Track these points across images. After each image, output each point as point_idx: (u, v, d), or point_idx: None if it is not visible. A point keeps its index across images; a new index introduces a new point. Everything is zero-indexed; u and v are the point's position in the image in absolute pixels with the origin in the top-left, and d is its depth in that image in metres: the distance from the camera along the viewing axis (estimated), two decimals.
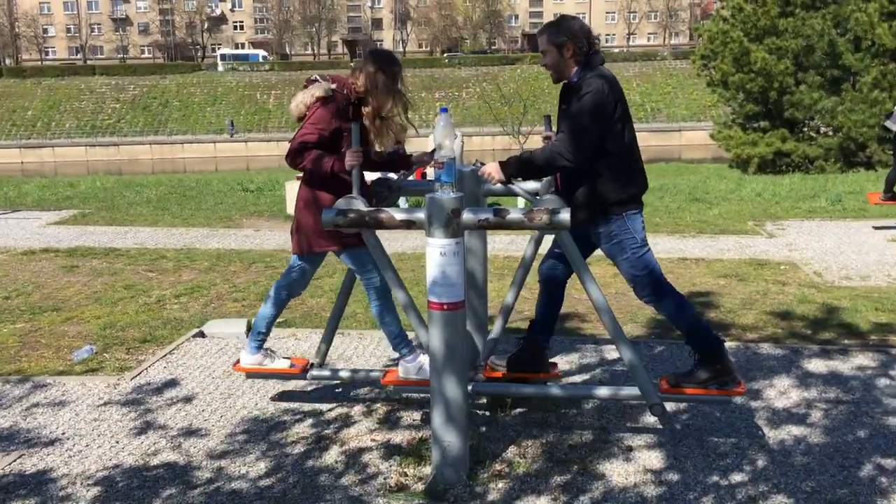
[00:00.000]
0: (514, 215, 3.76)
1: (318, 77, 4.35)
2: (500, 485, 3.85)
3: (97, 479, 3.96)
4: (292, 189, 12.17)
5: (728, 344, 5.75)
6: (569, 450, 4.21)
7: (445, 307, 3.75)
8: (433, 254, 3.74)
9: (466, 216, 3.73)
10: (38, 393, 5.05)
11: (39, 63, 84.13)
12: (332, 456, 4.19)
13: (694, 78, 49.28)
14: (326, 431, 4.48)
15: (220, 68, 68.22)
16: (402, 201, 8.83)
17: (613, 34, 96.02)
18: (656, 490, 3.79)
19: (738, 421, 4.52)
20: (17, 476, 4.01)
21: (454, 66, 66.14)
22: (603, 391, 4.33)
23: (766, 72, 23.25)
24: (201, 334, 6.20)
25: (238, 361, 4.79)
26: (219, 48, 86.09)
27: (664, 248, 9.31)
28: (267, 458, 4.18)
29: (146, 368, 5.46)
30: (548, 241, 4.56)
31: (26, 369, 5.54)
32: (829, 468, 3.97)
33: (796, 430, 4.38)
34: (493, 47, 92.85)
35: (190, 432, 4.49)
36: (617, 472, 3.97)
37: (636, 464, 4.05)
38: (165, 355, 5.71)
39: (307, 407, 4.82)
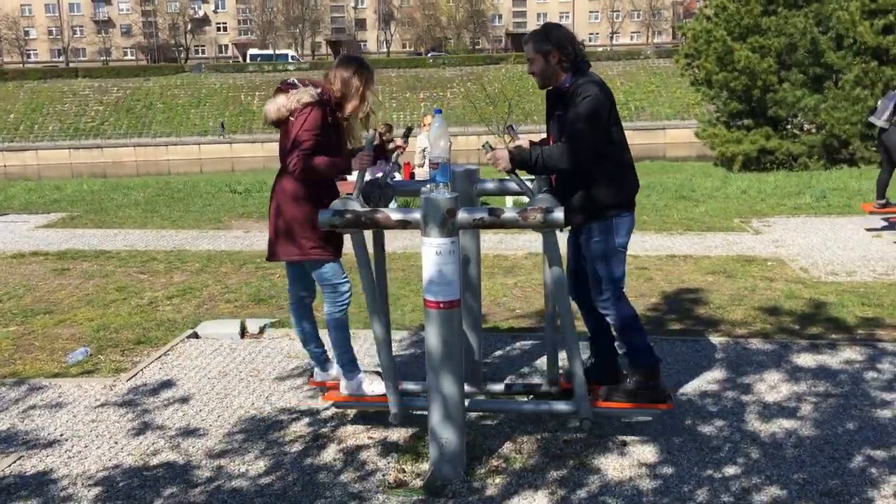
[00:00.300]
0: (508, 214, 3.81)
1: (295, 81, 4.36)
2: (498, 480, 3.91)
3: (98, 479, 3.99)
4: None
5: (718, 339, 5.85)
6: (564, 445, 4.27)
7: (442, 305, 3.81)
8: (429, 253, 3.78)
9: (461, 216, 3.78)
10: (35, 395, 5.07)
11: (21, 66, 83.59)
12: (331, 454, 4.24)
13: (677, 76, 49.48)
14: (323, 430, 4.52)
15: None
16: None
17: (597, 33, 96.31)
18: (651, 483, 3.85)
19: (730, 415, 4.59)
20: (17, 477, 4.03)
21: (438, 66, 66.17)
22: (537, 406, 4.39)
23: (750, 70, 23.43)
24: (195, 335, 6.23)
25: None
26: (199, 50, 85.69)
27: (652, 245, 9.40)
28: (266, 456, 4.22)
29: (141, 370, 5.48)
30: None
31: (21, 372, 5.56)
32: (820, 460, 4.04)
33: (787, 424, 4.46)
34: (476, 47, 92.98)
35: (188, 432, 4.52)
36: (612, 467, 4.03)
37: (631, 458, 4.12)
38: (160, 356, 5.74)
39: (303, 406, 4.85)
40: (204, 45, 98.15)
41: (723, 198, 13.26)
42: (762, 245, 9.40)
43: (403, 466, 4.07)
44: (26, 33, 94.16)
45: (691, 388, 4.99)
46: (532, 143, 4.35)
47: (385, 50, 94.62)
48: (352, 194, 4.07)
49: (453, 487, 3.82)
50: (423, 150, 12.32)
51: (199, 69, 69.11)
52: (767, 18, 23.81)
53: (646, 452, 4.17)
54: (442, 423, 3.87)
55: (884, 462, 4.00)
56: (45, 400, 4.99)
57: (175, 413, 4.79)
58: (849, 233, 10.03)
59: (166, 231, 11.02)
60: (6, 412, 4.82)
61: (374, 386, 4.49)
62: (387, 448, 4.28)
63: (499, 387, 4.73)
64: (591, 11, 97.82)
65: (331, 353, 4.65)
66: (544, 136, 4.59)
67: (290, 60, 72.18)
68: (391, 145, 4.71)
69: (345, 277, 4.44)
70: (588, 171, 4.12)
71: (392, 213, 3.90)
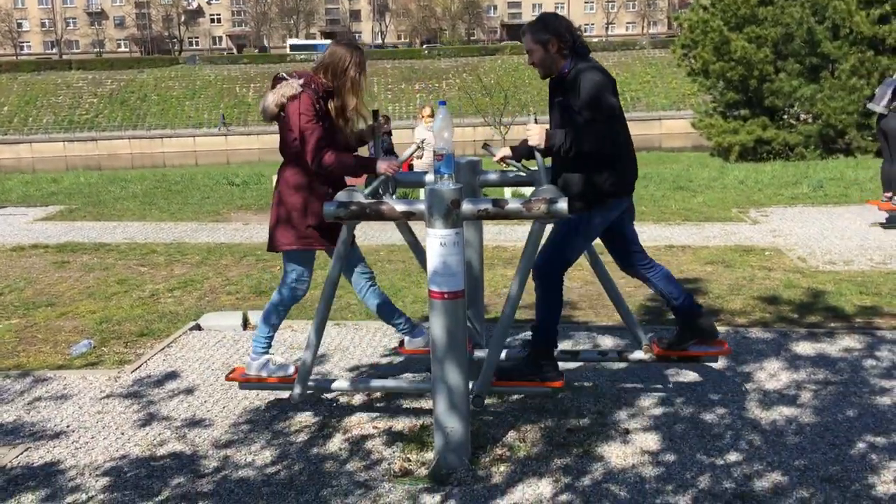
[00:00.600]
0: (512, 205, 3.84)
1: (284, 75, 4.38)
2: (502, 468, 3.95)
3: (105, 470, 4.02)
4: None
5: (718, 328, 5.88)
6: (567, 433, 4.31)
7: (446, 296, 3.83)
8: (433, 244, 3.81)
9: (466, 207, 3.81)
10: (40, 387, 5.10)
11: (14, 58, 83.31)
12: (336, 443, 4.27)
13: (673, 67, 49.54)
14: (329, 420, 4.56)
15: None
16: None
17: (592, 23, 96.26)
18: (654, 470, 3.89)
19: (731, 403, 4.63)
20: (25, 468, 4.06)
21: (434, 58, 66.11)
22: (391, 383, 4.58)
23: (746, 60, 23.47)
24: (198, 327, 6.26)
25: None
26: (193, 42, 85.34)
27: (651, 235, 9.44)
28: (272, 446, 4.25)
29: (145, 361, 5.51)
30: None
31: (25, 364, 5.58)
32: (821, 447, 4.09)
33: (787, 411, 4.50)
34: (472, 38, 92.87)
35: (194, 423, 4.55)
36: (615, 454, 4.07)
37: (633, 446, 4.16)
38: (164, 348, 5.76)
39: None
40: (198, 37, 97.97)
41: (720, 188, 13.30)
42: (760, 235, 9.44)
43: (408, 455, 4.11)
44: (19, 25, 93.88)
45: (692, 376, 5.04)
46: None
47: (380, 41, 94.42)
48: (354, 186, 4.11)
49: (458, 476, 3.86)
50: (422, 142, 12.31)
51: (194, 61, 69.00)
52: (764, 8, 23.84)
53: (648, 440, 4.21)
54: (447, 413, 3.91)
55: (883, 448, 4.05)
56: (51, 392, 5.02)
57: (180, 404, 4.82)
58: (846, 222, 10.08)
59: (165, 223, 11.03)
60: (12, 404, 4.85)
61: (278, 369, 4.59)
62: (392, 437, 4.32)
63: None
64: (586, 2, 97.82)
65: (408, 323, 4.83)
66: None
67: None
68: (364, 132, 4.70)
69: (307, 277, 4.54)
70: (588, 157, 4.13)
71: (397, 204, 3.93)
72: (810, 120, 24.36)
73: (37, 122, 59.00)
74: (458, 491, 3.73)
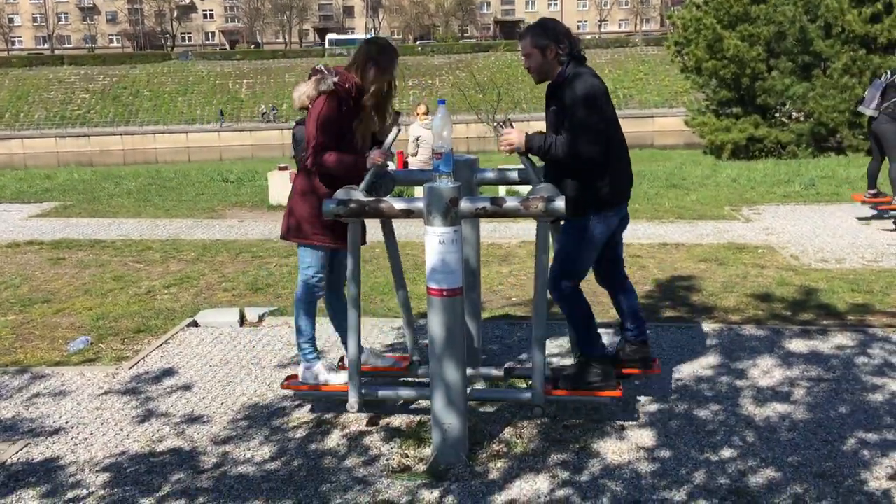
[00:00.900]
0: (510, 203, 3.88)
1: (322, 68, 4.41)
2: (500, 464, 3.98)
3: (105, 466, 4.05)
4: (274, 179, 12.21)
5: (712, 326, 5.95)
6: (563, 430, 4.35)
7: (445, 293, 3.87)
8: (432, 242, 3.85)
9: (464, 205, 3.84)
10: (38, 383, 5.12)
11: (6, 53, 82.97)
12: (334, 439, 4.31)
13: (666, 64, 49.70)
14: (326, 416, 4.59)
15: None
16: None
17: (585, 21, 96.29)
18: (650, 466, 3.94)
19: (725, 400, 4.68)
20: (25, 464, 4.08)
21: (427, 54, 66.07)
22: (500, 394, 4.53)
23: (739, 58, 23.54)
24: (195, 324, 6.28)
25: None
26: (185, 37, 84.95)
27: (644, 233, 9.49)
28: (270, 442, 4.28)
29: (143, 358, 5.53)
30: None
31: (23, 360, 5.60)
32: (814, 443, 4.14)
33: (781, 408, 4.55)
34: (465, 35, 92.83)
35: (192, 419, 4.58)
36: (611, 451, 4.11)
37: (629, 442, 4.20)
38: (161, 345, 5.79)
39: None
40: (190, 33, 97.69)
41: (713, 186, 13.37)
42: (753, 233, 9.50)
43: (406, 451, 4.14)
44: (11, 20, 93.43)
45: (686, 373, 5.08)
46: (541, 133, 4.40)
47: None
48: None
49: (456, 471, 3.90)
50: (417, 140, 12.34)
51: (186, 57, 68.84)
52: (757, 7, 23.91)
53: (644, 437, 4.25)
54: (445, 409, 3.94)
55: (875, 444, 4.10)
56: (49, 388, 5.04)
57: (178, 400, 4.84)
58: (838, 220, 10.15)
59: (160, 220, 11.04)
60: (10, 400, 4.87)
61: (330, 376, 4.54)
62: (390, 434, 4.35)
63: (498, 372, 4.81)
64: None
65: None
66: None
67: None
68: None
69: (319, 269, 4.49)
70: (593, 162, 4.14)
71: (395, 202, 3.97)
72: (802, 118, 24.47)
73: (28, 118, 58.78)
74: (456, 487, 3.77)
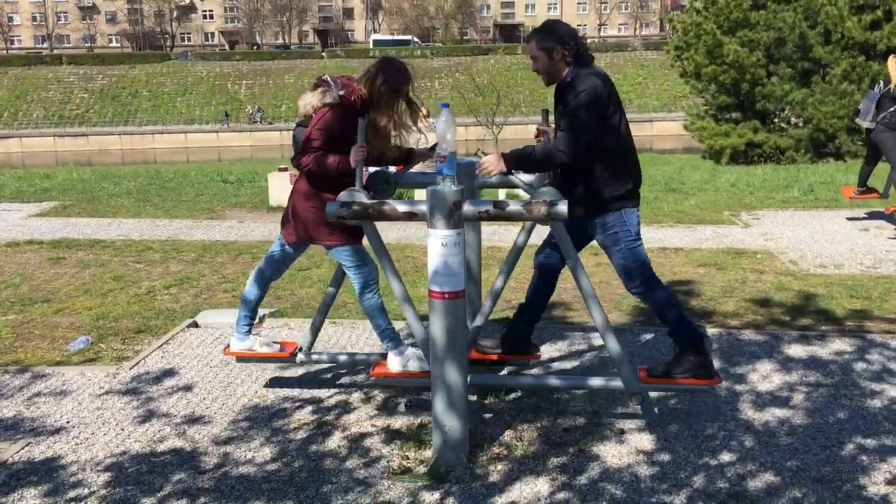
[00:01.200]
0: (513, 207, 3.90)
1: (328, 78, 4.44)
2: (500, 467, 4.00)
3: (106, 465, 4.06)
4: (274, 180, 12.23)
5: (711, 331, 5.96)
6: (563, 433, 4.37)
7: (447, 296, 3.89)
8: (435, 244, 3.87)
9: (467, 208, 3.86)
10: (39, 383, 5.13)
11: (5, 52, 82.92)
12: (335, 441, 4.32)
13: (665, 68, 49.77)
14: (327, 418, 4.60)
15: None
16: None
17: (585, 24, 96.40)
18: (649, 470, 3.95)
19: (724, 404, 4.70)
20: (26, 463, 4.09)
21: (426, 57, 66.11)
22: (595, 381, 4.48)
23: (739, 64, 23.55)
24: (195, 324, 6.29)
25: (228, 346, 4.95)
26: (185, 38, 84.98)
27: (644, 237, 9.45)
28: (271, 443, 4.30)
29: (143, 358, 5.54)
30: (541, 230, 4.70)
31: (23, 360, 5.61)
32: (813, 448, 4.16)
33: (780, 413, 4.57)
34: (464, 37, 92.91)
35: (193, 419, 4.59)
36: (611, 454, 4.13)
37: (629, 445, 4.22)
38: (161, 345, 5.80)
39: (306, 394, 4.93)
40: (190, 33, 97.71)
41: (712, 191, 13.39)
42: (752, 238, 9.53)
43: (407, 453, 4.16)
44: (10, 19, 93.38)
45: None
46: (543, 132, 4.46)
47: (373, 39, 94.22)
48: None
49: (457, 473, 3.92)
50: (416, 142, 12.36)
51: (186, 57, 68.81)
52: (756, 12, 23.93)
53: (643, 440, 4.27)
54: (446, 411, 3.96)
55: (874, 450, 4.12)
56: (50, 387, 5.05)
57: (179, 401, 4.86)
58: (836, 226, 10.18)
59: (160, 220, 11.04)
60: (11, 399, 4.88)
61: (418, 363, 4.59)
62: (390, 435, 4.37)
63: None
64: (579, 3, 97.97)
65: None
66: (542, 128, 4.69)
67: (412, 46, 71.41)
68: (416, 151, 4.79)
69: (361, 261, 4.56)
70: (591, 163, 4.21)
71: (399, 204, 3.98)
72: (801, 124, 24.47)
73: (27, 117, 58.73)
74: (456, 489, 3.79)
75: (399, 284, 4.27)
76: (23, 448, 4.25)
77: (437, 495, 3.73)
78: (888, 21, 21.93)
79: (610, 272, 5.23)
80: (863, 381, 5.01)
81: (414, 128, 4.62)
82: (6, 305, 6.96)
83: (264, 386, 5.07)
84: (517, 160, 4.26)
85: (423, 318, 5.95)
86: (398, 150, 4.70)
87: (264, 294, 4.90)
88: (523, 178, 4.48)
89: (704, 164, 23.16)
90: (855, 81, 21.97)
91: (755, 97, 24.14)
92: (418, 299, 6.77)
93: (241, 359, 4.97)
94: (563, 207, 3.80)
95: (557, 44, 4.22)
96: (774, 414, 4.56)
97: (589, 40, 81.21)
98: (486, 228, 10.10)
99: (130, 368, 5.36)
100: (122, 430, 4.47)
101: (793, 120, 25.05)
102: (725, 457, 4.08)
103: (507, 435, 4.35)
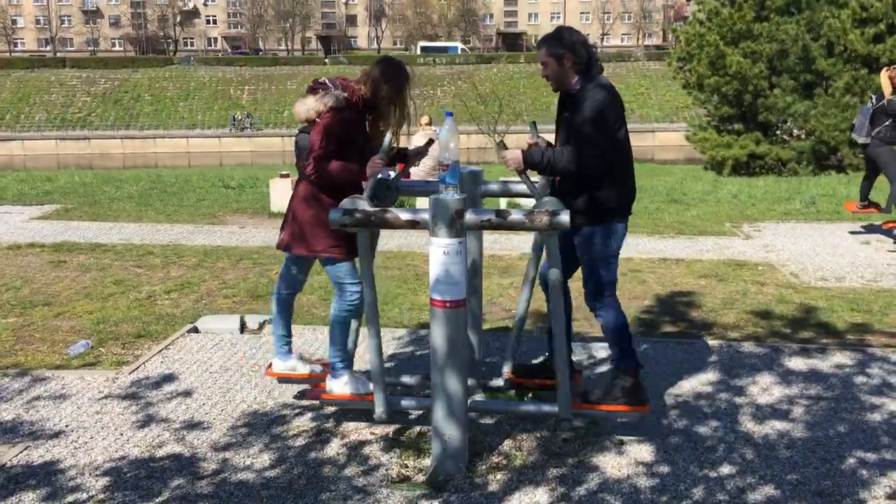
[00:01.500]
0: (515, 216, 3.89)
1: (326, 81, 4.43)
2: (499, 476, 3.99)
3: (105, 470, 4.05)
4: (276, 186, 12.23)
5: (711, 342, 5.96)
6: (563, 443, 4.36)
7: (448, 305, 3.89)
8: (437, 253, 3.87)
9: (469, 217, 3.86)
10: (38, 386, 5.12)
11: (8, 55, 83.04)
12: (334, 448, 4.31)
13: (667, 79, 49.79)
14: (326, 425, 4.60)
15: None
16: None
17: (588, 34, 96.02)
18: (649, 482, 3.95)
19: (724, 416, 4.69)
20: (25, 467, 4.09)
21: (429, 64, 66.17)
22: (527, 407, 4.50)
23: (741, 75, 23.59)
24: (195, 330, 6.28)
25: (270, 366, 4.82)
26: (188, 43, 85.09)
27: (645, 248, 9.51)
28: (270, 450, 4.29)
29: (143, 363, 5.53)
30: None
31: (23, 363, 5.60)
32: (812, 461, 4.15)
33: (780, 425, 4.57)
34: (468, 45, 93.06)
35: (192, 425, 4.58)
36: (610, 465, 4.13)
37: (628, 457, 4.21)
38: (161, 350, 5.79)
39: (305, 402, 4.92)
40: (193, 38, 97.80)
41: (714, 202, 13.39)
42: (753, 250, 9.52)
43: (406, 462, 4.15)
44: (14, 22, 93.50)
45: (686, 389, 5.10)
46: (549, 144, 4.44)
47: (376, 46, 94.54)
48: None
49: (456, 482, 3.91)
50: (429, 141, 12.35)
51: (188, 62, 68.87)
52: (760, 24, 23.99)
53: (643, 452, 4.26)
54: (445, 420, 3.96)
55: (874, 464, 4.11)
56: (49, 391, 5.05)
57: (178, 406, 4.85)
58: (838, 239, 10.17)
59: (161, 225, 11.04)
60: (10, 402, 4.87)
61: (358, 385, 4.54)
62: (389, 444, 4.36)
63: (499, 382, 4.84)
64: (581, 13, 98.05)
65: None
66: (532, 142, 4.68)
67: (458, 53, 71.24)
68: (410, 151, 4.77)
69: (356, 279, 4.48)
70: (594, 174, 4.21)
71: (401, 212, 3.98)
72: (803, 136, 24.50)
73: (29, 120, 58.76)
74: (455, 498, 3.78)
75: (373, 293, 4.22)
76: (21, 451, 4.24)
77: None
78: (891, 34, 21.98)
79: None
80: (863, 394, 5.00)
81: (414, 127, 4.62)
82: (7, 308, 6.95)
83: (264, 392, 5.06)
84: (539, 164, 4.21)
85: (423, 327, 5.96)
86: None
87: (290, 311, 4.79)
88: (535, 180, 4.44)
89: (706, 175, 23.17)
90: (857, 94, 21.99)
91: (757, 109, 24.18)
92: (420, 307, 6.79)
93: (283, 380, 4.83)
94: (565, 217, 3.80)
95: (567, 51, 4.23)
96: (774, 427, 4.55)
97: None
98: (488, 237, 10.09)
99: (130, 373, 5.35)
100: (122, 434, 4.46)
101: (795, 132, 25.08)
102: (725, 469, 4.07)
103: (507, 444, 4.34)
